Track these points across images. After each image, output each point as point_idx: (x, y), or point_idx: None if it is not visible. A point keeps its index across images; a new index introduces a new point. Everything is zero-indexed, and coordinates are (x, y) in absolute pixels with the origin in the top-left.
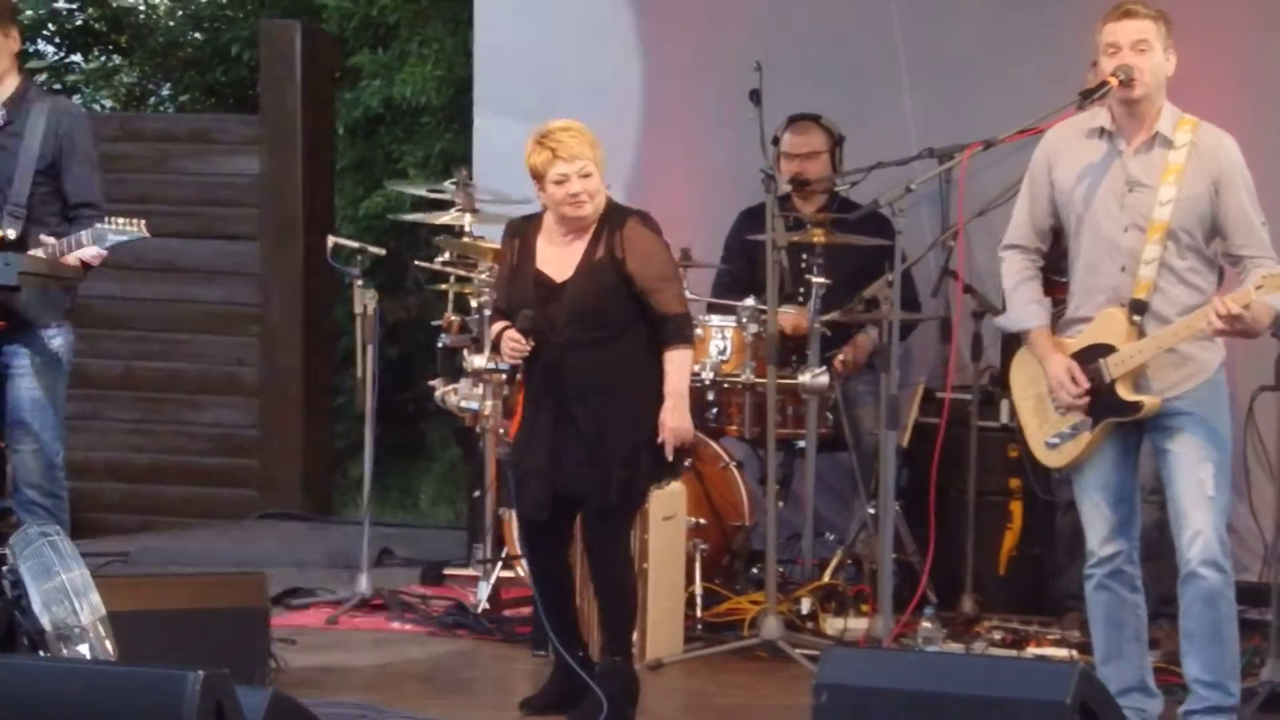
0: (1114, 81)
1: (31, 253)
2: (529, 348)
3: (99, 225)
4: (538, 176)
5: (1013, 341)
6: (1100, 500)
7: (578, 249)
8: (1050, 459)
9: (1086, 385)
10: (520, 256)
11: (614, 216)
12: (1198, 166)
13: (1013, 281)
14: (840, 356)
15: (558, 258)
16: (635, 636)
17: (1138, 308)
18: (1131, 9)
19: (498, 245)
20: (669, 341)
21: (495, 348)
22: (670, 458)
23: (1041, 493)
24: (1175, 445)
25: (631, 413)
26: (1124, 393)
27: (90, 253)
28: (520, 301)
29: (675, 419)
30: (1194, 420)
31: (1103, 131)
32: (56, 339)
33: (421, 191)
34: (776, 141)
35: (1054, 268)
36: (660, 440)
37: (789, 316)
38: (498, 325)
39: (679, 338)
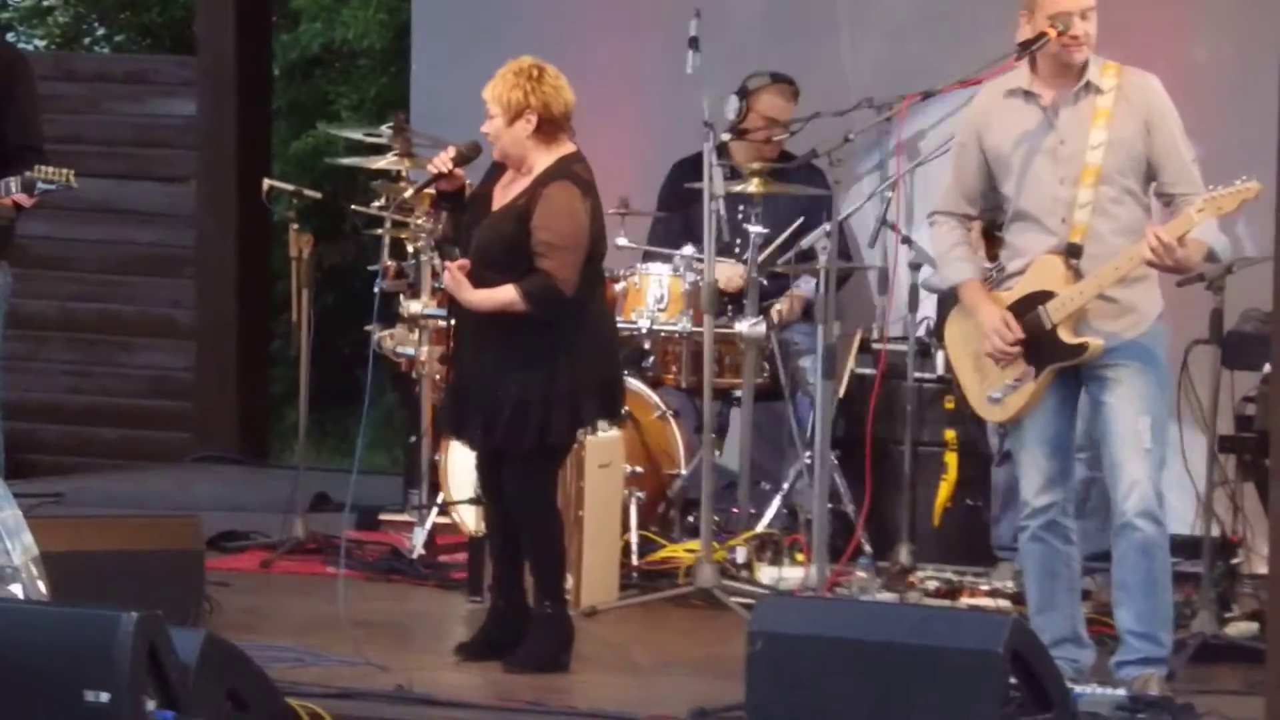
0: (1052, 33)
1: None
2: (450, 163)
3: (27, 174)
4: None
5: (948, 298)
6: (1037, 451)
7: (515, 190)
8: (994, 414)
9: (1020, 334)
10: (487, 178)
11: (555, 170)
12: (1126, 109)
13: (942, 245)
14: (776, 306)
15: (504, 192)
16: (570, 584)
17: (1074, 251)
18: None
19: (434, 190)
20: (520, 282)
21: None
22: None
23: (984, 448)
24: (1112, 397)
25: (525, 361)
26: (1066, 336)
27: (22, 198)
28: (471, 219)
29: (456, 285)
30: (1132, 372)
31: (1026, 94)
32: None
33: (357, 135)
34: (746, 93)
35: (995, 225)
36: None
37: (724, 270)
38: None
39: (524, 286)
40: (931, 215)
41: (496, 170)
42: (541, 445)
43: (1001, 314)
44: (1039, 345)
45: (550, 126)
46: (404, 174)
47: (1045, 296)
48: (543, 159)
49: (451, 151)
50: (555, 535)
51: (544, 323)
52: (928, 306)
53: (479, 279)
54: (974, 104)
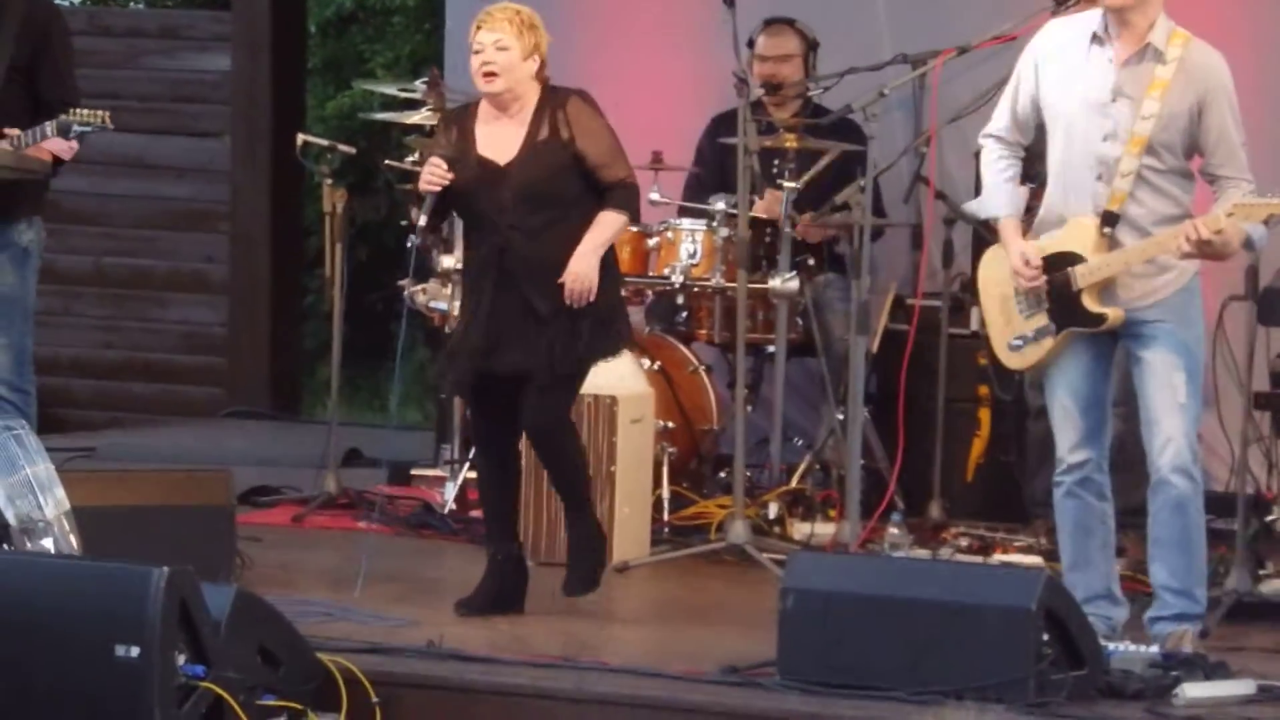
0: None
1: None
2: (450, 176)
3: (62, 117)
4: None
5: (983, 245)
6: (1071, 407)
7: (517, 130)
8: (1012, 361)
9: (1038, 266)
10: (461, 142)
11: (553, 97)
12: (1184, 83)
13: (991, 173)
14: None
15: (497, 140)
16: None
17: (1109, 219)
18: None
19: None
20: (609, 204)
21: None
22: (569, 301)
23: (1001, 393)
24: (1149, 353)
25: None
26: (1089, 303)
27: (60, 145)
28: (464, 185)
29: (579, 261)
30: (1168, 328)
31: (1095, 37)
32: (27, 233)
33: (392, 91)
34: (751, 45)
35: (1027, 171)
36: (574, 296)
37: (765, 204)
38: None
39: (620, 202)
40: (983, 138)
41: (455, 129)
42: (565, 367)
43: (1023, 248)
44: (1062, 305)
45: (544, 69)
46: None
47: (1075, 259)
48: (533, 95)
49: (440, 165)
50: (580, 451)
51: None
52: (962, 262)
53: (530, 224)
54: (1040, 35)
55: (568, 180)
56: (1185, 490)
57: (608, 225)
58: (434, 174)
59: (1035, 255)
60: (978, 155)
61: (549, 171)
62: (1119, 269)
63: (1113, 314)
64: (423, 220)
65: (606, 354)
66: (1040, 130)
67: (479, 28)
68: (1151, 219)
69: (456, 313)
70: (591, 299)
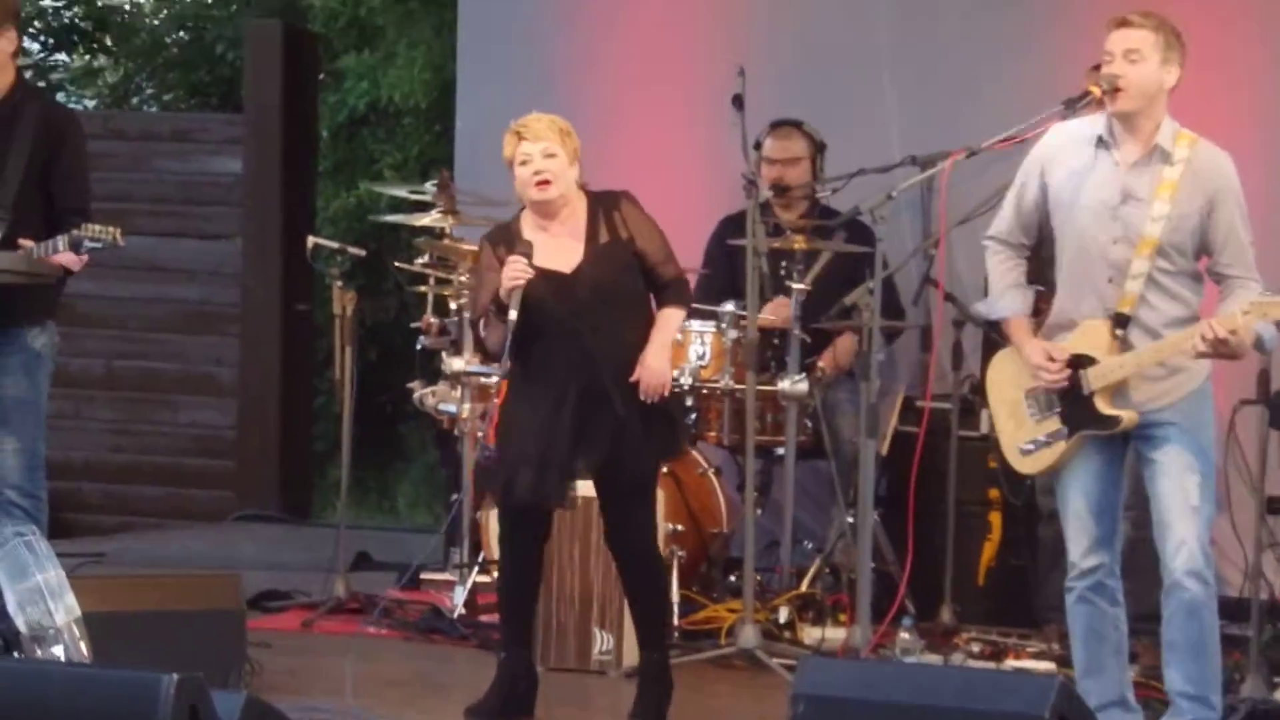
0: (1096, 92)
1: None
2: (531, 272)
3: (75, 232)
4: (509, 164)
5: (992, 349)
6: (1083, 511)
7: (572, 238)
8: (1024, 465)
9: (1065, 359)
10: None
11: (604, 201)
12: (1193, 184)
13: (997, 276)
14: (820, 363)
15: (553, 251)
16: (611, 643)
17: (1121, 321)
18: (1129, 18)
19: (477, 247)
20: (669, 301)
21: (484, 341)
22: (644, 398)
23: (1012, 498)
24: (1161, 455)
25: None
26: (1102, 406)
27: (70, 258)
28: (530, 299)
29: (655, 358)
30: (1180, 431)
31: (1100, 140)
32: (40, 338)
33: (401, 193)
34: (759, 146)
35: (1036, 277)
36: (650, 392)
37: (773, 308)
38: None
39: (678, 298)
40: (987, 240)
41: (503, 248)
42: (676, 452)
43: (1044, 346)
44: (1075, 408)
45: (582, 172)
46: (447, 231)
47: (1088, 361)
48: (578, 201)
49: (521, 260)
50: (663, 573)
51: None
52: (972, 363)
53: (605, 333)
54: (1046, 138)
55: (632, 279)
56: (1199, 594)
57: (671, 321)
58: (518, 269)
59: (1058, 350)
60: None
61: (616, 272)
62: (1132, 371)
63: (1126, 416)
64: (513, 314)
65: (674, 453)
66: (1047, 235)
67: (521, 139)
68: (1162, 321)
69: (464, 415)
70: (665, 394)
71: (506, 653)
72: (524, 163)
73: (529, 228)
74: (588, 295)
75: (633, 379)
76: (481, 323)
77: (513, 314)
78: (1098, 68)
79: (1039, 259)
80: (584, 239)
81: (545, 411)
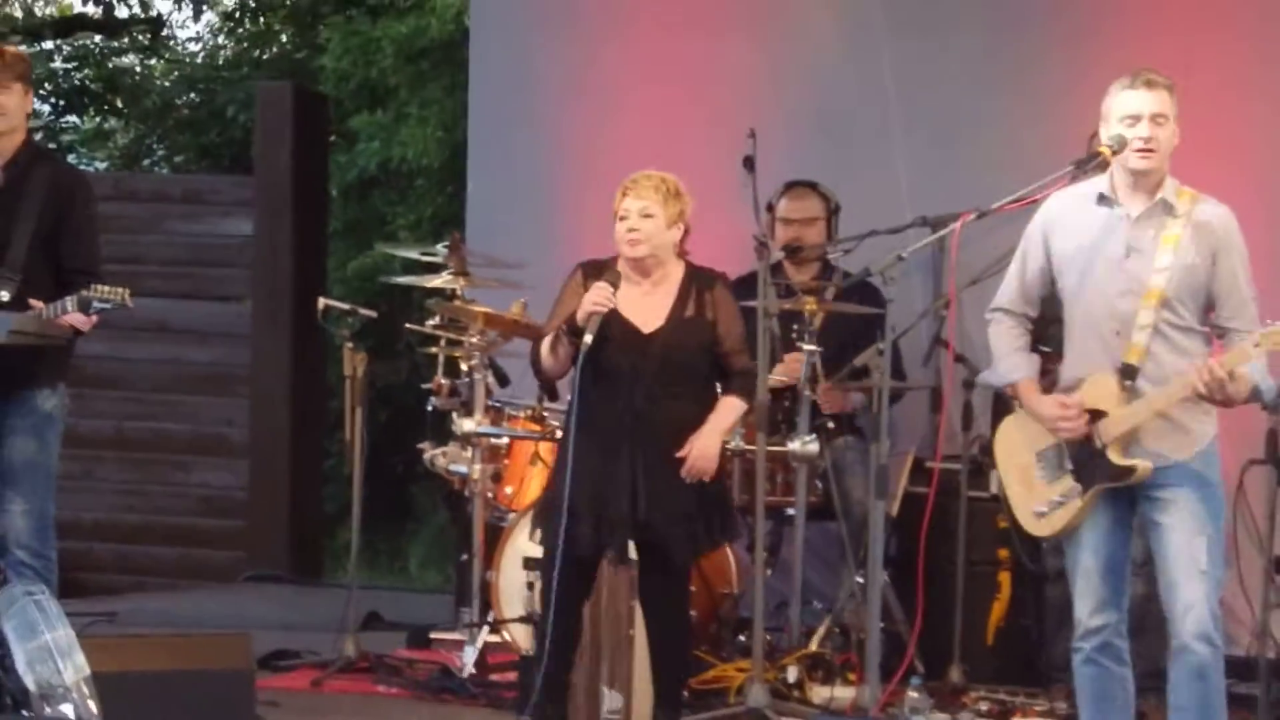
0: (1106, 154)
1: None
2: (614, 302)
3: (84, 293)
4: (614, 217)
5: (1002, 409)
6: (1092, 571)
7: (661, 301)
8: (1039, 528)
9: (1081, 409)
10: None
11: (702, 277)
12: (1195, 236)
13: (1002, 342)
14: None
15: (640, 307)
16: (620, 703)
17: (1128, 373)
18: (1152, 79)
19: (488, 309)
20: (734, 390)
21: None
22: (685, 478)
23: (1030, 563)
24: (1168, 518)
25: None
26: (1115, 457)
27: (79, 319)
28: (607, 342)
29: (707, 440)
30: (1186, 492)
31: (1102, 197)
32: (50, 399)
33: (413, 254)
34: (770, 208)
35: (1040, 338)
36: (693, 473)
37: (787, 364)
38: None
39: (743, 389)
40: (991, 312)
41: (592, 278)
42: (727, 536)
43: (1056, 399)
44: (1088, 464)
45: (687, 237)
46: (459, 292)
47: (1097, 415)
48: (674, 266)
49: (607, 288)
50: (690, 645)
51: None
52: (982, 425)
53: (663, 401)
54: (1046, 206)
55: (704, 358)
56: (1206, 657)
57: (731, 410)
58: (604, 295)
59: (1069, 399)
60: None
61: (691, 346)
62: (1144, 417)
63: (1141, 465)
64: (588, 338)
65: (729, 537)
66: (1052, 295)
67: (625, 194)
68: (1169, 374)
69: (475, 475)
70: (708, 479)
71: (546, 711)
72: (622, 218)
73: (626, 277)
74: (657, 361)
75: (680, 454)
76: (545, 344)
77: (588, 338)
78: (1095, 136)
79: (1043, 319)
80: (670, 306)
81: (595, 462)
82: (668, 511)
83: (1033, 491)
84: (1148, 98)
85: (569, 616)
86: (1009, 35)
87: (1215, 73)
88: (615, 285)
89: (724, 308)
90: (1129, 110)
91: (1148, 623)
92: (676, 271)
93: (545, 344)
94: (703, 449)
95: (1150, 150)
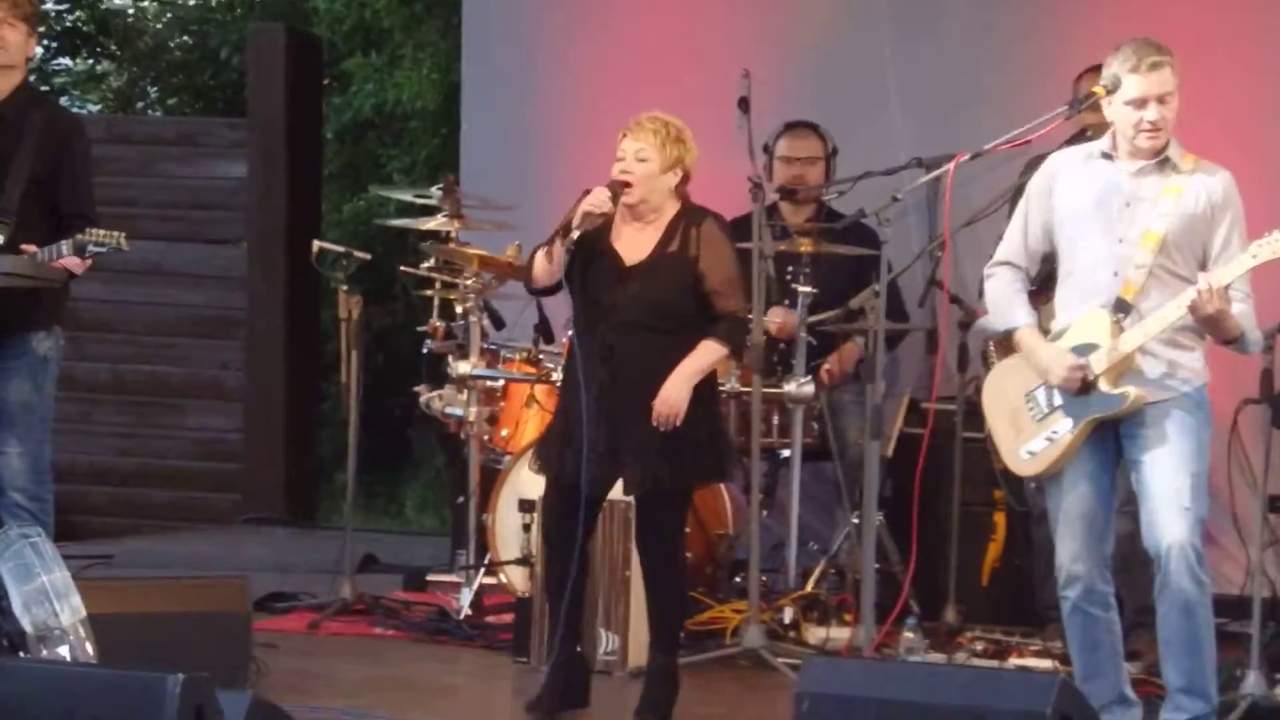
0: (1100, 93)
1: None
2: (610, 207)
3: (79, 236)
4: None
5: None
6: (1074, 513)
7: (650, 238)
8: (1027, 467)
9: (1079, 363)
10: (601, 227)
11: (692, 214)
12: (1198, 191)
13: (999, 290)
14: (826, 366)
15: (631, 242)
16: (617, 644)
17: (1122, 307)
18: (1157, 61)
19: (483, 252)
20: (715, 334)
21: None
22: (655, 424)
23: (1017, 505)
24: (1150, 457)
25: (700, 397)
26: (1106, 387)
27: (74, 262)
28: (591, 271)
29: (674, 387)
30: (1170, 431)
31: (1104, 154)
32: (45, 342)
33: (407, 197)
34: (767, 149)
35: (1039, 291)
36: (660, 420)
37: (778, 315)
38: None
39: (726, 334)
40: (991, 267)
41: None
42: (717, 477)
43: (1057, 347)
44: (1079, 398)
45: (686, 183)
46: (453, 235)
47: (1089, 349)
48: (670, 208)
49: (606, 191)
50: (685, 586)
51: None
52: (977, 366)
53: (638, 335)
54: (1048, 162)
55: (685, 297)
56: (1192, 593)
57: (708, 353)
58: (601, 198)
59: (1069, 353)
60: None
61: (669, 283)
62: (1136, 345)
63: (1133, 394)
64: (575, 234)
65: (707, 479)
66: (1052, 256)
67: (625, 135)
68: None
69: (471, 418)
70: (677, 424)
71: (559, 648)
72: (619, 159)
73: (623, 211)
74: (633, 295)
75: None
76: (541, 251)
77: (575, 234)
78: (1095, 69)
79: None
80: (657, 241)
81: (573, 398)
82: (632, 447)
83: (1023, 432)
84: (1154, 80)
85: (563, 550)
86: None
87: (1198, 36)
88: (617, 196)
89: (710, 244)
90: (1135, 94)
91: (1134, 561)
92: (671, 213)
93: (541, 250)
94: (666, 395)
95: (1157, 130)
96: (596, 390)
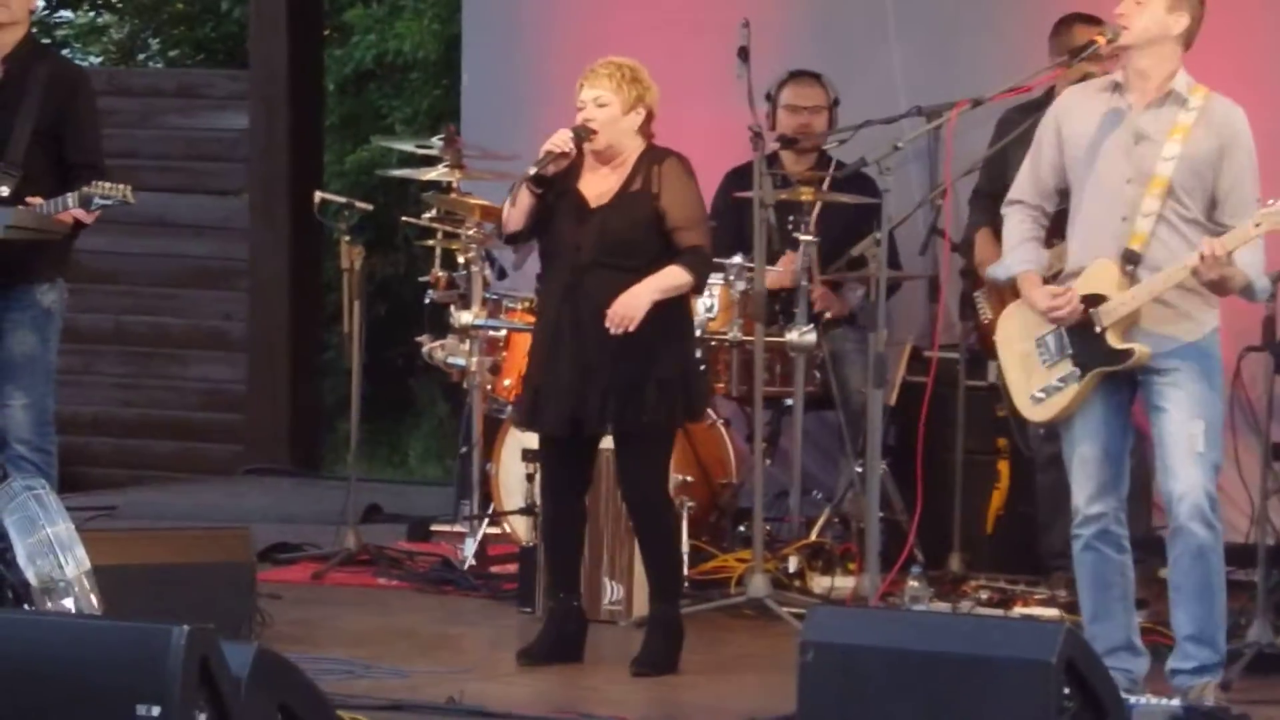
0: (1101, 41)
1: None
2: (571, 148)
3: (85, 189)
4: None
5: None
6: (1089, 457)
7: (616, 180)
8: (1036, 413)
9: (1073, 295)
10: (568, 171)
11: (654, 154)
12: (1206, 129)
13: (1013, 236)
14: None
15: (595, 184)
16: (622, 593)
17: (1131, 258)
18: None
19: (485, 201)
20: (679, 263)
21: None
22: (609, 325)
23: (1024, 449)
24: (1166, 402)
25: (648, 348)
26: (1114, 341)
27: (79, 214)
28: (555, 214)
29: (630, 295)
30: (1185, 377)
31: (1115, 85)
32: (49, 294)
33: (409, 147)
34: (769, 98)
35: (1054, 231)
36: (612, 321)
37: (775, 274)
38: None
39: (688, 264)
40: (1007, 205)
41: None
42: (688, 416)
43: (1048, 289)
44: (1087, 347)
45: (650, 122)
46: (455, 185)
47: (1098, 300)
48: (635, 149)
49: (569, 133)
50: (675, 528)
51: (661, 314)
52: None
53: (599, 274)
54: (1059, 98)
55: (648, 236)
56: (1205, 539)
57: (670, 275)
58: (561, 137)
59: (1058, 288)
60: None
61: (631, 222)
62: (1143, 300)
63: (1140, 350)
64: (531, 170)
65: (677, 419)
66: (1064, 194)
67: (582, 84)
68: (1170, 263)
69: (473, 368)
70: (630, 329)
71: (555, 598)
72: (579, 108)
73: (589, 156)
74: (593, 235)
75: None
76: (509, 196)
77: (531, 170)
78: (1069, 20)
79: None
80: (621, 182)
81: (541, 339)
82: (600, 386)
83: (1032, 377)
84: None
85: (556, 499)
86: None
87: None
88: (582, 137)
89: (670, 181)
90: None
91: (1132, 489)
92: (636, 153)
93: (509, 195)
94: (624, 299)
95: (1122, 26)
96: (562, 329)
